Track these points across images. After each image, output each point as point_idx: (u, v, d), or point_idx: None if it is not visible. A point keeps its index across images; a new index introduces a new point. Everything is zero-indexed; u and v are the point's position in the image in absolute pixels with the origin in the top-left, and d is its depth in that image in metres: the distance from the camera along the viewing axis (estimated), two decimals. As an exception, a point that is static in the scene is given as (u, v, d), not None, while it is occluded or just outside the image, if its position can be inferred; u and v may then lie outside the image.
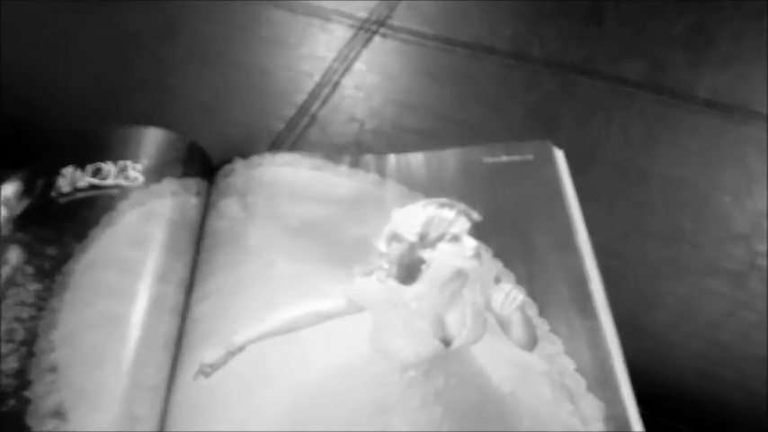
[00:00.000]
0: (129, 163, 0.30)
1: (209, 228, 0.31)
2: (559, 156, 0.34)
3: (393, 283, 0.29)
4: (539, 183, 0.32)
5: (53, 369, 0.23)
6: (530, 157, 0.33)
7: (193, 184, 0.32)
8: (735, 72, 0.40)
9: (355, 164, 0.34)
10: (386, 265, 0.29)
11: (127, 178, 0.30)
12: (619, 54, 0.41)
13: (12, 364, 0.24)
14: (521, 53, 0.42)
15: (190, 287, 0.29)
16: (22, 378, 0.23)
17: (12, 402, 0.23)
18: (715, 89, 0.39)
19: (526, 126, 0.38)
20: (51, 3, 0.48)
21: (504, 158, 0.34)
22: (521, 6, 0.45)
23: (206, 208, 0.32)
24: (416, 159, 0.34)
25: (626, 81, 0.40)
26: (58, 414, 0.22)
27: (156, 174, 0.30)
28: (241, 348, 0.26)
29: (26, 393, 0.23)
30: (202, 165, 0.33)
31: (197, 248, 0.31)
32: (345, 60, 0.42)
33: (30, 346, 0.24)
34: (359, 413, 0.25)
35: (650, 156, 0.35)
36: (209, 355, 0.26)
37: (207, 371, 0.26)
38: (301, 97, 0.40)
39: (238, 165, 0.34)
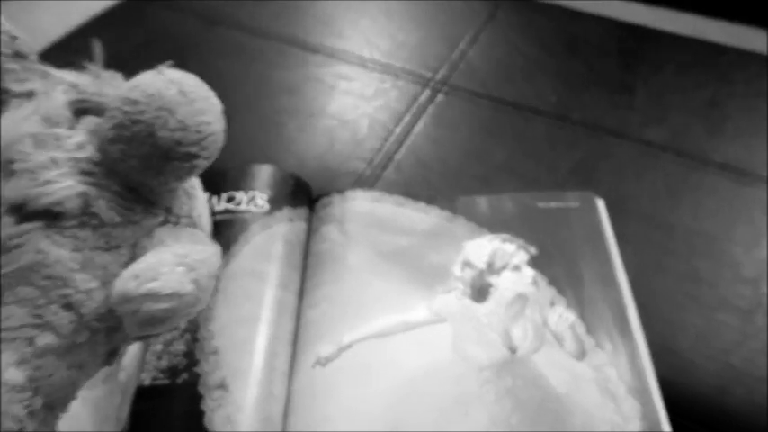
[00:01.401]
0: (257, 193, 0.37)
1: (313, 248, 0.38)
2: (600, 204, 0.41)
3: (468, 301, 0.35)
4: (584, 226, 0.39)
5: (215, 352, 0.30)
6: (576, 204, 0.40)
7: (303, 212, 0.39)
8: (743, 141, 0.47)
9: (430, 202, 0.41)
10: (461, 287, 0.36)
11: (255, 205, 0.37)
12: (646, 121, 0.49)
13: (179, 346, 0.30)
14: (563, 116, 0.49)
15: (301, 295, 0.36)
16: (191, 358, 0.30)
17: (185, 376, 0.29)
18: (727, 155, 0.46)
19: (569, 179, 0.45)
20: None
21: (554, 204, 0.41)
22: (562, 75, 0.53)
23: (309, 232, 0.39)
24: (481, 201, 0.41)
25: (652, 144, 0.47)
26: (222, 387, 0.29)
27: (277, 203, 0.38)
28: (349, 346, 0.33)
29: (196, 369, 0.29)
30: (307, 196, 0.41)
31: (304, 265, 0.38)
32: (414, 113, 0.50)
33: (193, 333, 0.31)
34: (444, 404, 0.31)
35: (674, 209, 0.43)
36: (324, 350, 0.33)
37: (323, 362, 0.32)
38: (379, 142, 0.48)
39: (335, 198, 0.41)
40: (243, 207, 0.36)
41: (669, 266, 0.39)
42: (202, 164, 0.20)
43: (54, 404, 0.19)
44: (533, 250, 0.38)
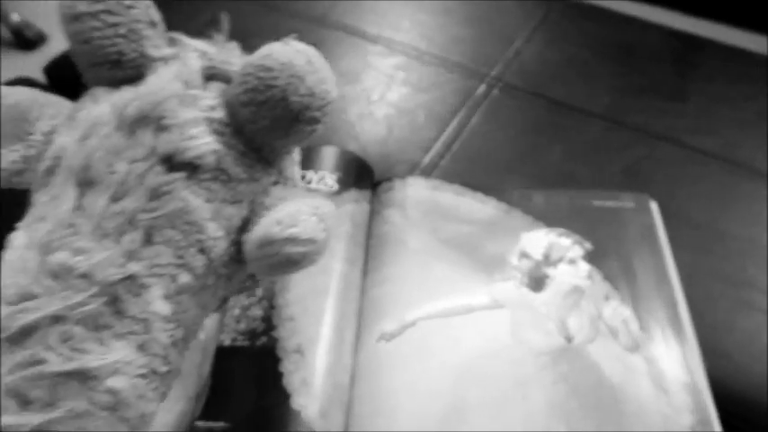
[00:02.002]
0: (326, 173, 0.39)
1: (375, 230, 0.40)
2: (654, 206, 0.42)
3: (525, 290, 0.37)
4: (638, 226, 0.40)
5: (291, 318, 0.32)
6: (631, 204, 0.42)
7: (367, 194, 0.41)
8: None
9: (487, 193, 0.43)
10: (518, 276, 0.37)
11: (325, 185, 0.38)
12: (697, 129, 0.50)
13: (257, 311, 0.32)
14: (615, 119, 0.50)
15: (365, 273, 0.37)
16: (268, 323, 0.31)
17: (264, 339, 0.31)
18: (777, 167, 0.47)
19: (620, 181, 0.46)
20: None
21: (610, 203, 0.42)
22: (615, 78, 0.54)
23: (371, 214, 0.41)
24: (536, 195, 0.43)
25: (703, 151, 0.48)
26: (299, 351, 0.30)
27: (344, 184, 0.39)
28: (412, 324, 0.34)
29: (273, 334, 0.31)
30: (370, 179, 0.42)
31: (366, 245, 0.39)
32: (470, 107, 0.51)
33: (270, 300, 0.32)
34: (504, 385, 0.33)
35: (724, 216, 0.44)
36: (389, 326, 0.34)
37: (387, 338, 0.34)
38: (436, 133, 0.49)
39: (397, 183, 0.42)
40: (314, 185, 0.38)
41: (719, 270, 0.40)
42: (320, 128, 0.21)
43: (186, 339, 0.21)
44: (588, 246, 0.39)
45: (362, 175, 0.41)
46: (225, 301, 0.24)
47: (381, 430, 0.30)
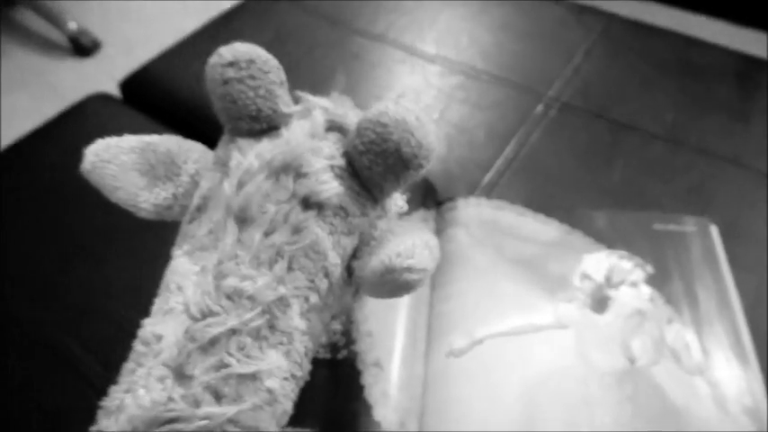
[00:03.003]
0: (397, 194, 0.41)
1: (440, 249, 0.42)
2: (714, 231, 0.43)
3: (588, 311, 0.38)
4: (700, 250, 0.41)
5: (369, 334, 0.34)
6: (693, 228, 0.42)
7: (432, 213, 0.43)
8: None
9: (549, 214, 0.44)
10: (581, 297, 0.39)
11: (396, 205, 0.40)
12: (760, 149, 0.50)
13: (336, 326, 0.34)
14: (679, 139, 0.51)
15: (432, 289, 0.39)
16: (348, 337, 0.34)
17: (344, 352, 0.33)
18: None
19: (683, 202, 0.47)
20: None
21: (671, 227, 0.43)
22: (678, 97, 0.54)
23: (435, 233, 0.43)
24: (598, 216, 0.44)
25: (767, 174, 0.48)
26: (377, 365, 0.33)
27: (412, 204, 0.41)
28: (481, 341, 0.36)
29: (353, 348, 0.33)
30: (434, 199, 0.44)
31: (433, 262, 0.41)
32: (528, 126, 0.53)
33: (348, 315, 0.35)
34: (571, 402, 0.34)
35: (788, 240, 0.44)
36: (458, 342, 0.36)
37: (457, 354, 0.36)
38: (495, 151, 0.51)
39: (459, 203, 0.44)
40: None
41: (784, 296, 0.40)
42: (423, 173, 0.24)
43: (312, 351, 0.24)
44: (650, 269, 0.40)
45: (428, 195, 0.43)
46: (334, 317, 0.26)
47: (453, 441, 0.32)
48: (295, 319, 0.23)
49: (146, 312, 0.25)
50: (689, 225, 0.43)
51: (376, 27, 0.64)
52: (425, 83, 0.57)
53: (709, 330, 0.37)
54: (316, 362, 0.33)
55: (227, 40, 0.62)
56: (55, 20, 1.36)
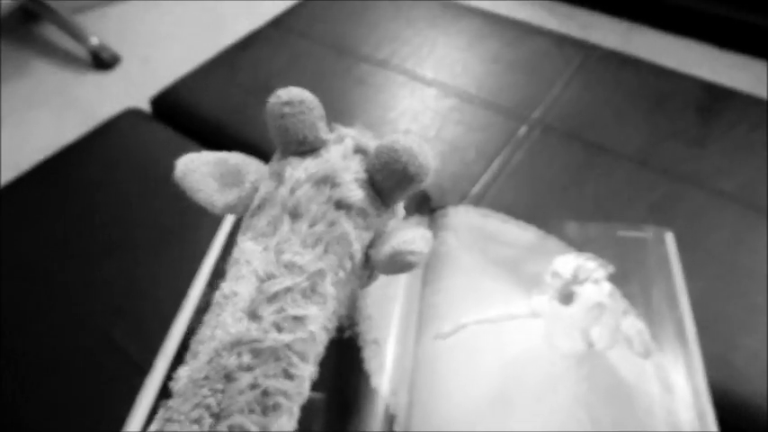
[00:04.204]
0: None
1: (433, 250, 0.48)
2: (670, 239, 0.49)
3: (556, 303, 0.45)
4: (656, 254, 0.48)
5: (369, 318, 0.40)
6: (650, 236, 0.49)
7: (426, 219, 0.49)
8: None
9: (528, 221, 0.51)
10: (551, 291, 0.45)
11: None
12: (718, 172, 0.57)
13: (342, 311, 0.41)
14: (644, 160, 0.58)
15: (424, 283, 0.46)
16: (352, 320, 0.40)
17: (348, 333, 0.40)
18: (787, 208, 0.53)
19: (646, 216, 0.53)
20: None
21: (632, 234, 0.49)
22: (646, 123, 0.61)
23: (429, 236, 0.49)
24: (570, 225, 0.50)
25: (722, 193, 0.55)
26: (375, 342, 0.39)
27: (409, 210, 0.48)
28: (464, 327, 0.43)
29: (356, 329, 0.40)
30: (428, 207, 0.51)
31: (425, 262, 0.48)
32: (513, 145, 0.60)
33: (354, 302, 0.41)
34: (538, 378, 0.40)
35: (738, 251, 0.50)
36: (445, 327, 0.43)
37: (443, 336, 0.42)
38: (483, 167, 0.57)
39: (450, 210, 0.51)
40: (386, 211, 0.47)
41: (729, 296, 0.47)
42: (422, 186, 0.31)
43: (336, 313, 0.32)
44: (611, 268, 0.46)
45: (423, 203, 0.50)
46: (351, 297, 0.34)
47: (439, 407, 0.38)
48: (328, 287, 0.30)
49: (177, 304, 0.32)
50: (647, 233, 0.49)
51: (379, 54, 0.71)
52: (423, 105, 0.64)
53: (659, 322, 0.44)
54: (325, 340, 0.40)
55: (245, 65, 0.71)
56: (77, 35, 1.44)
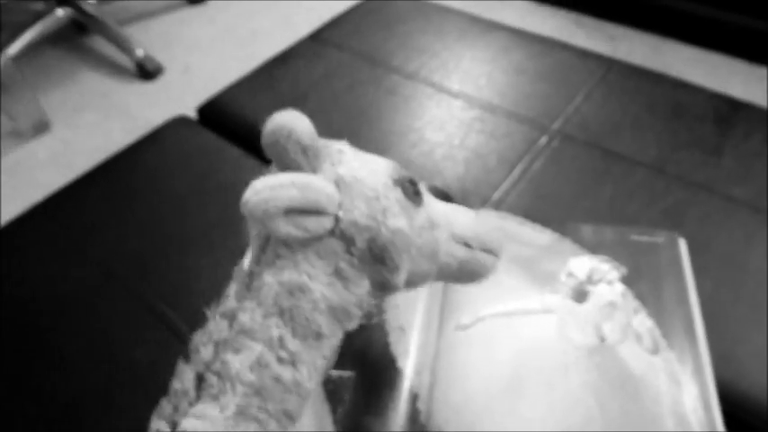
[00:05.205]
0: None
1: (455, 248, 0.52)
2: (682, 243, 0.52)
3: (570, 301, 0.48)
4: (667, 257, 0.50)
5: (396, 306, 0.45)
6: (662, 240, 0.52)
7: (450, 220, 0.53)
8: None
9: (545, 224, 0.54)
10: (565, 290, 0.48)
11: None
12: (731, 180, 0.59)
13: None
14: (661, 168, 0.60)
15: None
16: (380, 308, 0.44)
17: (376, 319, 0.44)
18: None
19: (660, 220, 0.56)
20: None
21: (645, 238, 0.52)
22: (662, 132, 0.64)
23: (452, 236, 0.53)
24: (585, 228, 0.53)
25: (735, 200, 0.57)
26: (401, 329, 0.43)
27: (434, 211, 0.52)
28: (482, 319, 0.46)
29: (384, 316, 0.44)
30: (452, 209, 0.55)
31: (448, 259, 0.51)
32: (534, 153, 0.63)
33: (380, 293, 0.45)
34: (551, 365, 0.44)
35: (748, 254, 0.53)
36: (465, 319, 0.46)
37: (462, 327, 0.46)
38: (505, 174, 0.61)
39: (472, 213, 0.55)
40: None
41: (739, 297, 0.49)
42: None
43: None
44: (624, 270, 0.49)
45: (447, 206, 0.54)
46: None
47: (457, 389, 0.42)
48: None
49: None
50: (660, 237, 0.52)
51: (409, 67, 0.75)
52: (449, 115, 0.68)
53: (669, 321, 0.46)
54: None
55: (285, 76, 0.76)
56: (124, 47, 1.53)
